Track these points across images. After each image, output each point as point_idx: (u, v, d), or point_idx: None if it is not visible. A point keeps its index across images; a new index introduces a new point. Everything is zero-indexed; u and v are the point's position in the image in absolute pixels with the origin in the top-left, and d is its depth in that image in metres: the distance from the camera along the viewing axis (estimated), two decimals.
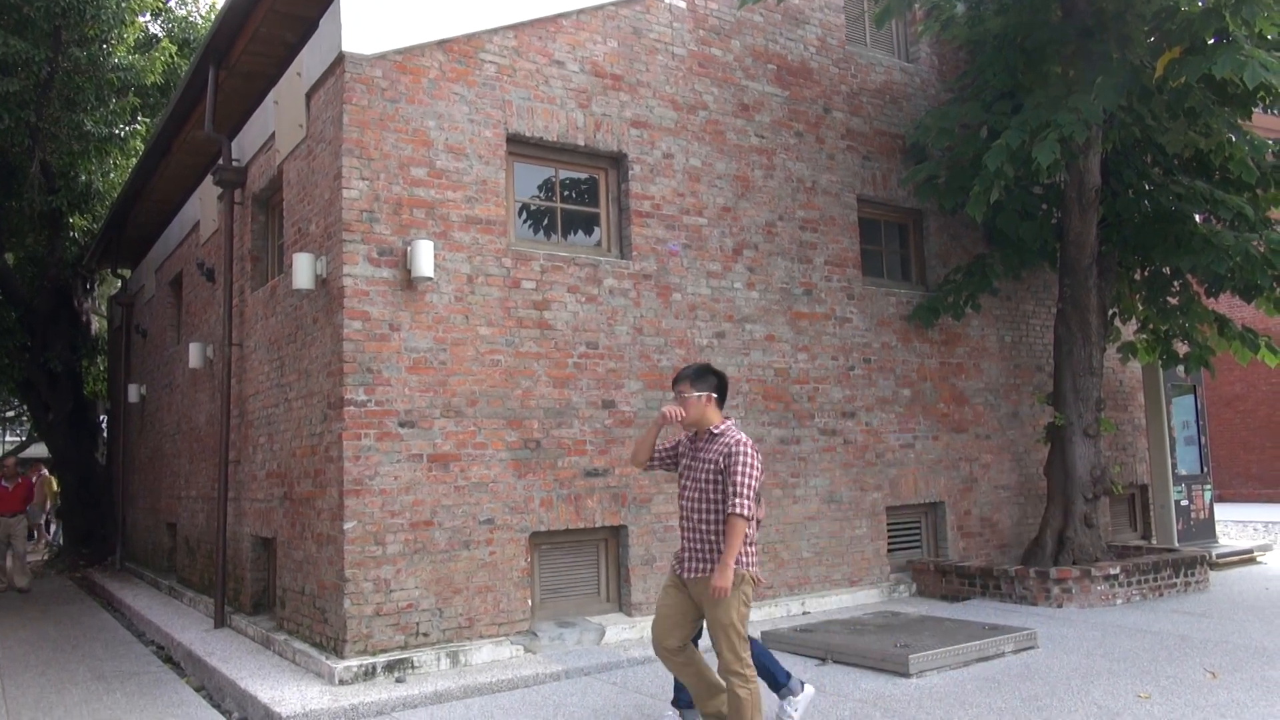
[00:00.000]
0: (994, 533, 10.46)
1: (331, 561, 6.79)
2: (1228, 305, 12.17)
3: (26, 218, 14.72)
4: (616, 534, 7.94)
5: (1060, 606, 8.60)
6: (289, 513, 7.70)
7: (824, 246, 9.44)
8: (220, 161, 9.46)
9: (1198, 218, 9.97)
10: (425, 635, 6.81)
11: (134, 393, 13.92)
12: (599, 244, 8.33)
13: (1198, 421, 13.23)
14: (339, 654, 6.57)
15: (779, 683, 5.35)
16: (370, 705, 5.92)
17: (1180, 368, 11.14)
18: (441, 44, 7.42)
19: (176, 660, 8.10)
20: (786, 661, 6.92)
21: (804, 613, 8.61)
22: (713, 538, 4.72)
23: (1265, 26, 7.92)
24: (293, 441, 7.67)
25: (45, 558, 17.35)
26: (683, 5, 8.83)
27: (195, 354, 10.33)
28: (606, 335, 7.96)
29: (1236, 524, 16.19)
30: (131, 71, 13.61)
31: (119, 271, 16.57)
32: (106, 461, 17.29)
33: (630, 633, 7.59)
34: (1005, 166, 8.48)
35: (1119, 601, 8.76)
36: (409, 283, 7.04)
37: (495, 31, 7.70)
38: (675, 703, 5.44)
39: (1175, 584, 9.29)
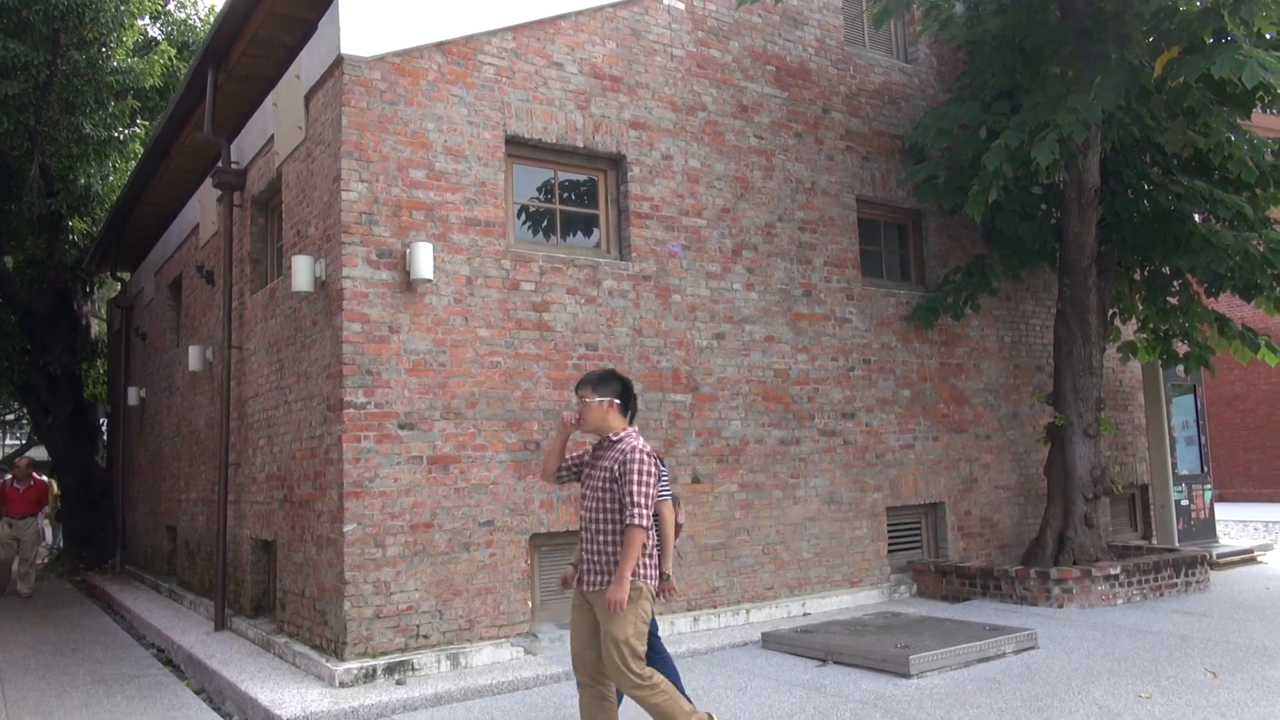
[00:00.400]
0: (994, 533, 10.46)
1: (331, 564, 6.78)
2: (1227, 304, 12.18)
3: (26, 221, 14.72)
4: None
5: (1061, 607, 8.60)
6: (289, 515, 7.70)
7: (823, 247, 9.44)
8: (219, 164, 9.46)
9: (1197, 217, 9.97)
10: (425, 637, 6.81)
11: (133, 395, 13.92)
12: (598, 245, 8.33)
13: (1198, 421, 13.23)
14: (339, 656, 6.56)
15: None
16: (370, 708, 5.91)
17: (1180, 367, 11.15)
18: (440, 46, 7.42)
19: (177, 663, 8.10)
20: (786, 662, 6.93)
21: (804, 614, 8.60)
22: (609, 549, 4.51)
23: (1264, 25, 7.92)
24: (292, 444, 7.67)
25: (45, 561, 17.34)
26: (681, 7, 8.84)
27: (195, 357, 10.33)
28: (606, 337, 7.96)
29: (1237, 524, 16.19)
30: (130, 74, 13.61)
31: (118, 274, 16.57)
32: (106, 464, 17.29)
33: None
34: (1004, 167, 8.48)
35: (1119, 601, 8.75)
36: (408, 285, 7.04)
37: (494, 33, 7.70)
38: None
39: (1176, 584, 9.29)
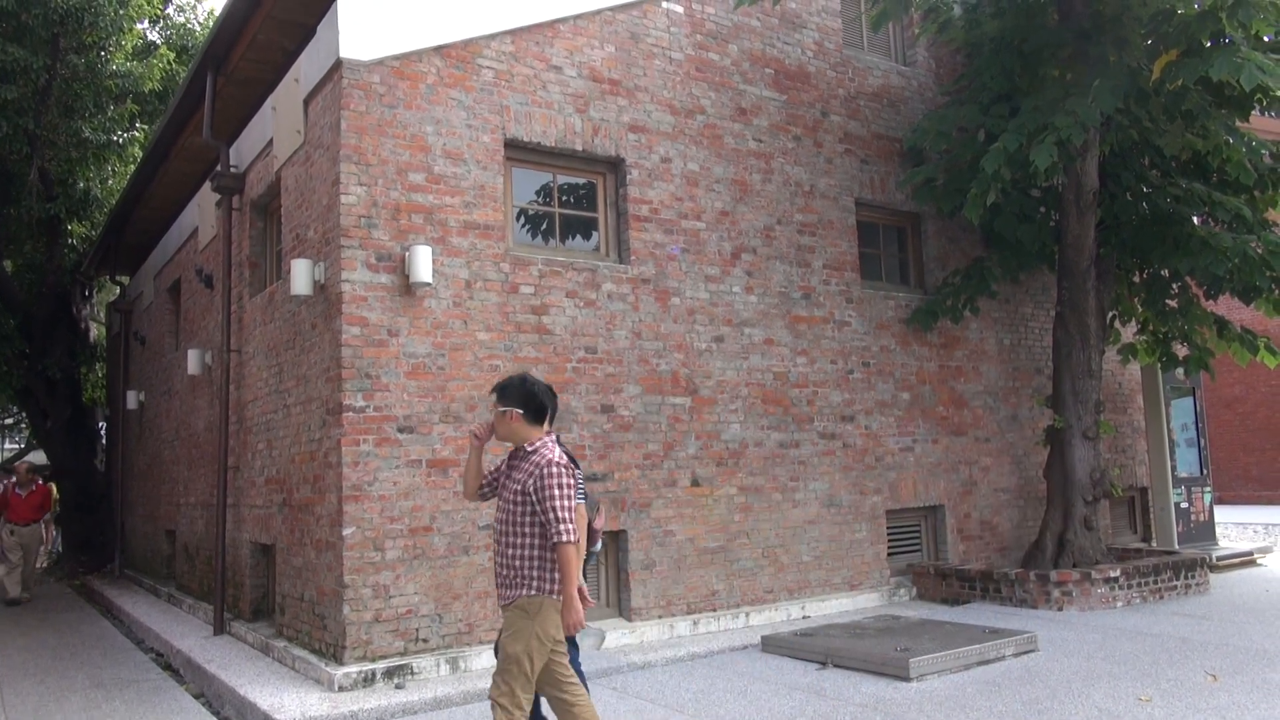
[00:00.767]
0: (994, 536, 10.46)
1: (331, 568, 6.78)
2: (1226, 306, 12.17)
3: (25, 225, 14.72)
4: (616, 539, 7.93)
5: (1060, 609, 8.59)
6: (288, 519, 7.69)
7: (822, 250, 9.45)
8: (218, 168, 9.46)
9: (1196, 220, 9.97)
10: (425, 641, 6.80)
11: (132, 399, 13.91)
12: (597, 248, 8.33)
13: (1197, 423, 13.23)
14: (338, 660, 6.56)
15: None
16: (370, 712, 5.90)
17: (1179, 370, 11.15)
18: (439, 49, 7.43)
19: (176, 667, 8.09)
20: (786, 665, 6.93)
21: (804, 616, 8.60)
22: (518, 564, 4.29)
23: (1262, 28, 7.93)
24: (291, 448, 7.67)
25: (44, 564, 17.32)
26: (680, 10, 8.85)
27: (194, 360, 10.32)
28: (605, 340, 7.96)
29: (1236, 526, 16.19)
30: (130, 78, 13.62)
31: (117, 278, 16.57)
32: (105, 468, 17.28)
33: (630, 638, 7.58)
34: (1003, 169, 8.49)
35: (1119, 604, 8.75)
36: (407, 288, 7.04)
37: (493, 37, 7.71)
38: None
39: (1175, 586, 9.28)
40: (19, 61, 12.05)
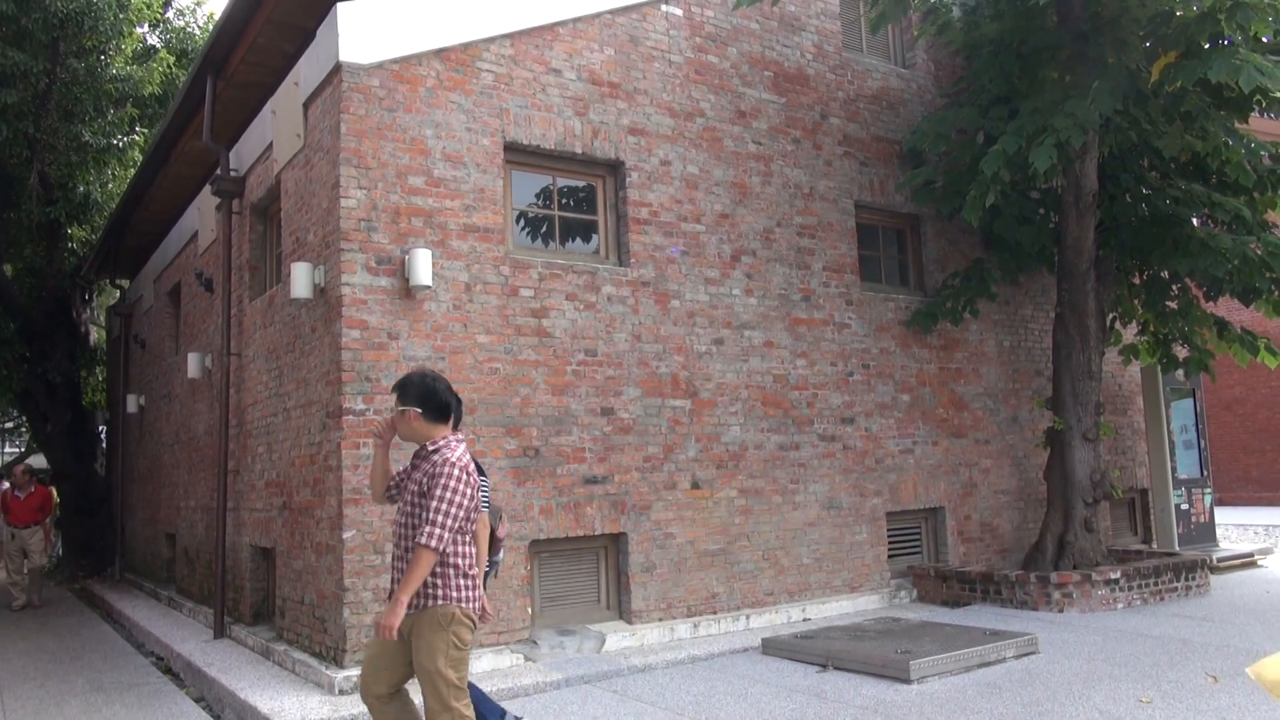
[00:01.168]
0: (994, 538, 10.45)
1: (331, 571, 6.77)
2: (1227, 307, 12.18)
3: (25, 229, 14.72)
4: (616, 541, 7.93)
5: (1061, 611, 8.59)
6: (288, 522, 7.69)
7: (822, 252, 9.45)
8: (218, 171, 9.47)
9: (1195, 221, 9.98)
10: None
11: (133, 403, 13.91)
12: (597, 251, 8.34)
13: (1197, 425, 13.23)
14: (339, 663, 6.55)
15: None
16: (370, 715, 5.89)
17: (1180, 371, 11.16)
18: (439, 53, 7.44)
19: (176, 671, 8.08)
20: (787, 668, 6.92)
21: (804, 619, 8.59)
22: None
23: (1260, 29, 7.93)
24: (291, 451, 7.67)
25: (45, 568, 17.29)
26: (679, 13, 8.86)
27: (194, 364, 10.33)
28: (605, 342, 7.96)
29: (1237, 527, 16.18)
30: (129, 82, 13.63)
31: (117, 282, 16.58)
32: (105, 472, 17.28)
33: (631, 640, 7.58)
34: (1002, 171, 8.50)
35: (1120, 606, 8.74)
36: (407, 291, 7.04)
37: (492, 40, 7.71)
38: None
39: (1176, 588, 9.28)
40: (19, 66, 12.06)
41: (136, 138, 15.24)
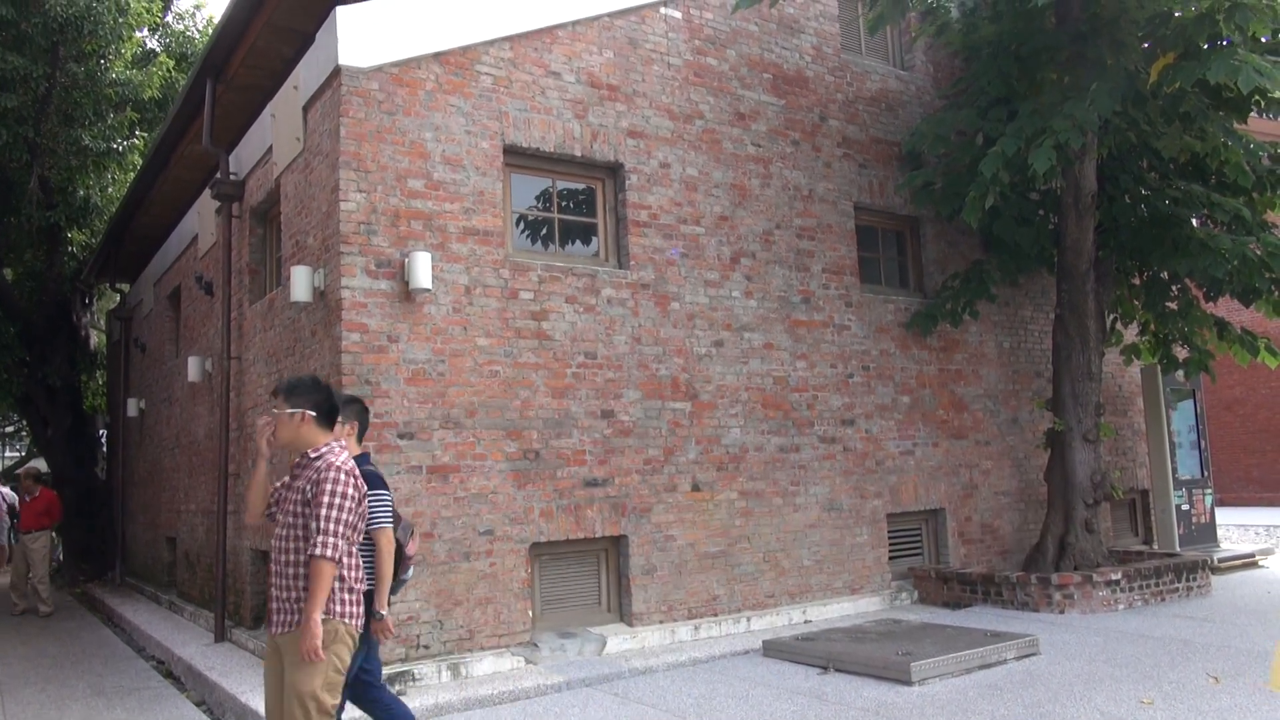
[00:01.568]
0: (995, 539, 10.45)
1: None
2: (1227, 308, 12.18)
3: (25, 233, 14.73)
4: (617, 544, 7.93)
5: (1062, 612, 8.58)
6: None
7: (821, 254, 9.45)
8: (218, 175, 9.48)
9: (1195, 221, 9.98)
10: (426, 648, 6.79)
11: (133, 407, 13.91)
12: (596, 254, 8.34)
13: (1198, 425, 13.22)
14: None
15: None
16: None
17: (1180, 372, 11.15)
18: (438, 56, 7.44)
19: (177, 675, 8.08)
20: (788, 670, 6.92)
21: (805, 621, 8.59)
22: (301, 585, 3.85)
23: (1259, 29, 7.94)
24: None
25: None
26: (678, 15, 8.86)
27: (194, 368, 10.33)
28: (605, 345, 7.96)
29: (1238, 528, 16.17)
30: (129, 86, 13.64)
31: (117, 286, 16.59)
32: (106, 476, 17.28)
33: (631, 643, 7.58)
34: (1001, 173, 8.50)
35: (1121, 607, 8.74)
36: (407, 294, 7.05)
37: (491, 43, 7.72)
38: None
39: (1177, 589, 9.27)
40: (18, 70, 12.07)
41: (136, 142, 15.24)
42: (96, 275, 16.11)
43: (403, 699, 6.19)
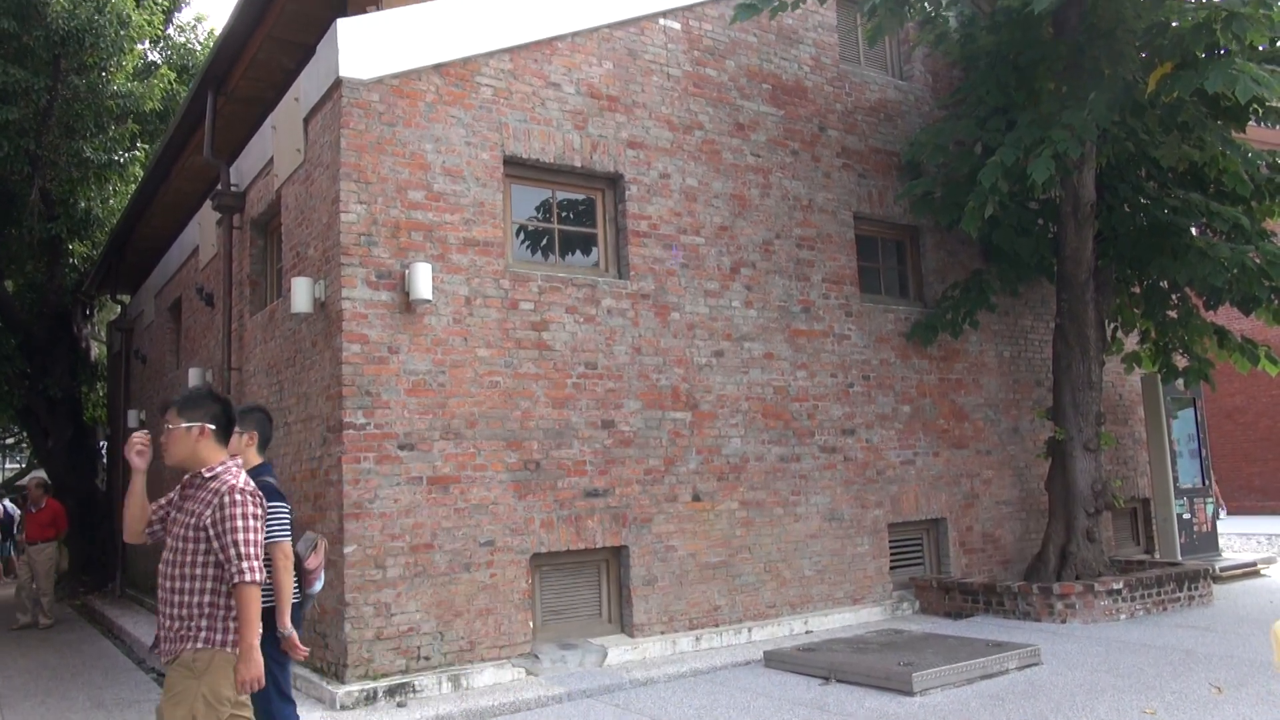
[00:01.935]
0: (996, 549, 10.43)
1: (332, 586, 6.76)
2: (1227, 315, 12.19)
3: (26, 245, 14.76)
4: (618, 555, 7.92)
5: (1064, 622, 8.56)
6: None
7: (821, 264, 9.47)
8: (219, 187, 9.51)
9: (1194, 230, 9.99)
10: (426, 659, 6.78)
11: (133, 418, 13.91)
12: (597, 264, 8.35)
13: (1198, 434, 13.21)
14: (340, 679, 6.54)
15: None
16: None
17: (1180, 381, 11.15)
18: (438, 68, 7.47)
19: None
20: (789, 681, 6.90)
21: (807, 631, 8.57)
22: (186, 612, 3.63)
23: (1256, 38, 7.96)
24: (292, 465, 7.67)
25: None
26: (677, 27, 8.90)
27: (194, 379, 10.32)
28: (605, 355, 7.96)
29: (1240, 536, 16.13)
30: (130, 98, 13.70)
31: (118, 297, 16.61)
32: (106, 488, 17.26)
33: (632, 654, 7.56)
34: (1000, 182, 8.51)
35: (1123, 616, 8.72)
36: (407, 305, 7.06)
37: (491, 55, 7.75)
38: None
39: (1179, 598, 9.25)
40: (20, 82, 12.12)
41: (137, 153, 15.29)
42: (97, 287, 16.14)
43: (403, 710, 6.19)
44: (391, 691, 6.44)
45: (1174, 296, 10.63)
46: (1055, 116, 8.57)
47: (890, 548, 9.58)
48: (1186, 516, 12.40)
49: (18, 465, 28.85)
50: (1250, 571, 11.82)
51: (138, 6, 13.81)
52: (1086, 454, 9.61)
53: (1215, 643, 7.62)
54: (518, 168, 7.91)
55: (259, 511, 3.73)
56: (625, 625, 7.84)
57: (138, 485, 3.92)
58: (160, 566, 3.80)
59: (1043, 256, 10.31)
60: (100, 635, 11.40)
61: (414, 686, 6.54)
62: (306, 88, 7.68)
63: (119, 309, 16.56)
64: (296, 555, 4.59)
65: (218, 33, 13.34)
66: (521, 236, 8.08)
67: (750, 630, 8.29)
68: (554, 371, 7.68)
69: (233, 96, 9.54)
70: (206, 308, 10.35)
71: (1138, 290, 10.91)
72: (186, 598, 3.66)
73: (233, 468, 3.85)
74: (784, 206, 9.29)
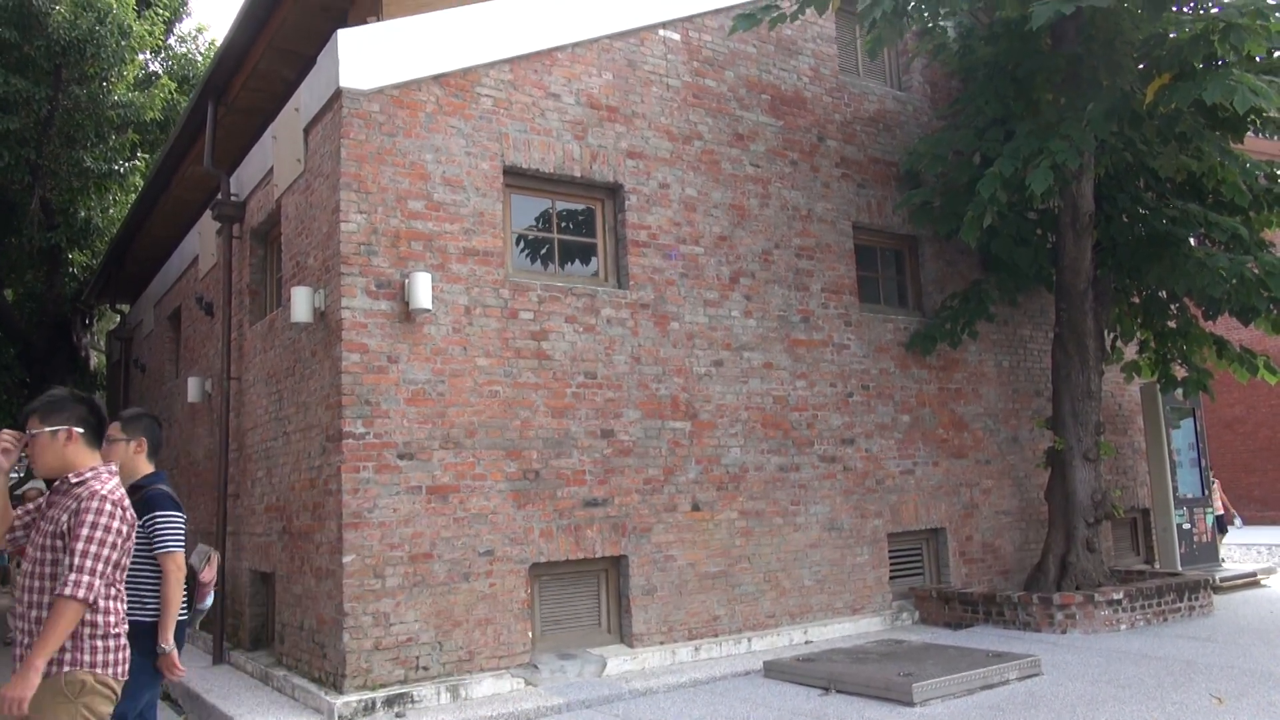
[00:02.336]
0: (996, 558, 10.42)
1: (330, 595, 6.75)
2: (1226, 324, 12.18)
3: (26, 254, 14.79)
4: (617, 564, 7.91)
5: (1064, 632, 8.55)
6: (288, 547, 7.67)
7: (820, 274, 9.48)
8: (219, 196, 9.52)
9: (1192, 240, 10.01)
10: (425, 669, 6.76)
11: None
12: (596, 274, 8.36)
13: (1198, 444, 13.20)
14: (338, 689, 6.52)
15: None
16: None
17: (1179, 391, 11.16)
18: (438, 78, 7.49)
19: (174, 698, 8.02)
20: (789, 691, 6.88)
21: (806, 641, 8.55)
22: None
23: (1254, 49, 7.98)
24: (291, 475, 7.66)
25: None
26: (677, 37, 8.93)
27: (194, 388, 10.33)
28: (604, 365, 7.97)
29: (1240, 547, 16.11)
30: (131, 108, 13.74)
31: (118, 306, 16.63)
32: None
33: (631, 664, 7.54)
34: (999, 193, 8.53)
35: (1123, 627, 8.70)
36: (407, 314, 7.06)
37: (491, 65, 7.77)
38: None
39: (1179, 608, 9.24)
40: (21, 92, 12.16)
41: (138, 163, 15.33)
42: (97, 296, 16.15)
43: None
44: (390, 702, 6.42)
45: (1173, 307, 10.64)
46: (1054, 127, 8.59)
47: (890, 557, 9.57)
48: (1186, 526, 12.39)
49: (16, 474, 28.78)
50: (1250, 582, 11.81)
51: (139, 17, 13.88)
52: (1086, 464, 9.61)
53: (1216, 653, 7.60)
54: (517, 178, 7.92)
55: (117, 525, 3.43)
56: (624, 635, 7.82)
57: (2, 489, 3.57)
58: (19, 578, 3.60)
59: (1041, 266, 10.32)
60: None
61: (413, 697, 6.52)
62: (307, 98, 7.70)
63: (118, 318, 16.58)
64: (190, 568, 4.35)
65: (219, 43, 13.38)
66: (521, 246, 8.09)
67: (750, 640, 8.27)
68: (553, 381, 7.68)
69: (233, 106, 9.57)
70: (206, 317, 10.35)
71: (1137, 300, 10.93)
72: (45, 614, 3.38)
73: (104, 474, 3.58)
74: (783, 216, 9.31)
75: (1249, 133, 9.96)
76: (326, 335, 7.09)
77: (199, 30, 18.57)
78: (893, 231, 10.31)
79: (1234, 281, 8.99)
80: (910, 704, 6.27)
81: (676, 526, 8.11)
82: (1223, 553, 14.47)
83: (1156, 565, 12.17)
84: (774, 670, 7.41)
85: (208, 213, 10.06)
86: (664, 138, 8.65)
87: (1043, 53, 9.39)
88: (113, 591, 3.49)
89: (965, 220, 8.85)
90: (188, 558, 4.32)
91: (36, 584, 3.45)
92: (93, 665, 3.40)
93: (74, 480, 3.54)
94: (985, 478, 10.47)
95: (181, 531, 4.21)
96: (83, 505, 3.41)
